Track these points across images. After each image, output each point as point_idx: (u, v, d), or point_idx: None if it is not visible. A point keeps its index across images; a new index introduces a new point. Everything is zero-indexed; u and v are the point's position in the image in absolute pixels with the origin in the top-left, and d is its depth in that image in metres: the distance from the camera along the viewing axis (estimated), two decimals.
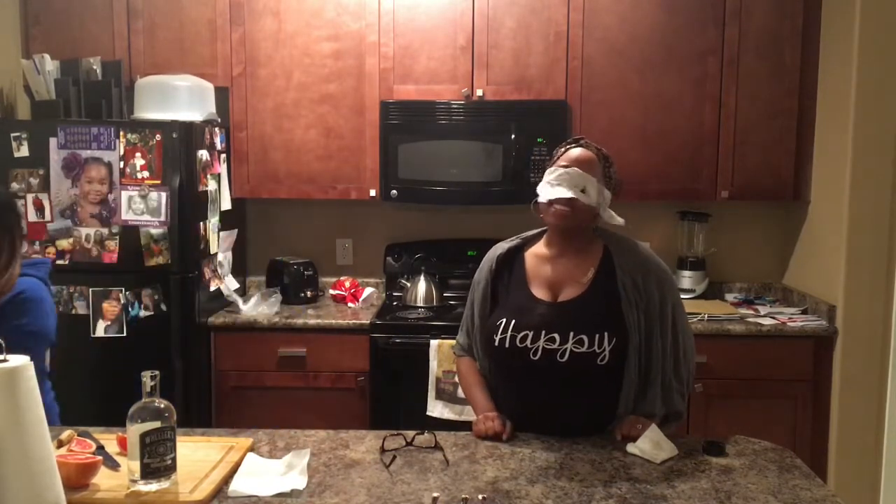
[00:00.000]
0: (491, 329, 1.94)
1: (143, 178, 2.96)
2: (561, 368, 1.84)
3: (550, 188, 1.89)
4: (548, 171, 1.93)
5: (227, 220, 3.36)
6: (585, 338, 1.83)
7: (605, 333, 1.83)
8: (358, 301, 3.48)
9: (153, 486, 1.49)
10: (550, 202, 1.89)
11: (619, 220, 1.97)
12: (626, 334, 1.85)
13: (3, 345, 1.26)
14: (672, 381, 1.91)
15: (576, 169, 1.88)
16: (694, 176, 3.38)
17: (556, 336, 1.85)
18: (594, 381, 1.87)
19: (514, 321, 1.89)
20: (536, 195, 1.94)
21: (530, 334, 1.86)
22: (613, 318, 1.86)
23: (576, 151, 1.93)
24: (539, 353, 1.85)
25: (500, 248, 2.05)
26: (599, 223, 1.99)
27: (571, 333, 1.84)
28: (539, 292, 1.94)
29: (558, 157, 1.95)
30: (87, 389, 2.95)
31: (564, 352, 1.83)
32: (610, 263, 1.92)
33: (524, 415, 1.89)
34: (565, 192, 1.86)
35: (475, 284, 2.06)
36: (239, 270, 3.56)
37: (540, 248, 2.01)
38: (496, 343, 1.91)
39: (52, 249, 2.98)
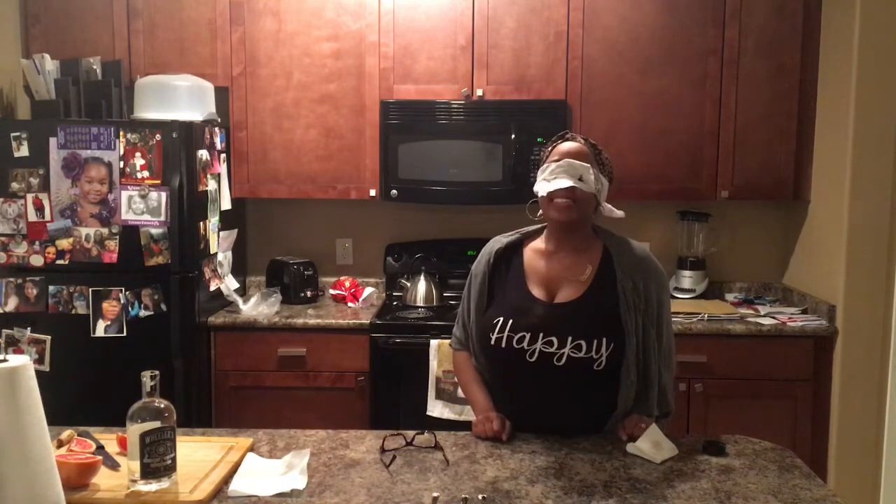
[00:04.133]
0: (487, 327, 1.93)
1: (143, 178, 2.95)
2: (557, 371, 1.84)
3: (548, 183, 1.88)
4: (541, 170, 1.93)
5: (227, 220, 3.36)
6: (583, 343, 1.82)
7: (603, 339, 1.83)
8: (358, 301, 3.48)
9: (153, 486, 1.49)
10: (551, 197, 1.88)
11: (619, 213, 1.97)
12: (624, 339, 1.85)
13: (3, 345, 1.26)
14: (667, 382, 1.91)
15: (568, 160, 1.87)
16: (694, 176, 3.37)
17: (554, 339, 1.84)
18: (590, 384, 1.86)
19: (511, 321, 1.88)
20: (534, 197, 1.94)
21: (527, 336, 1.85)
22: (612, 322, 1.86)
23: (565, 145, 1.92)
24: (536, 355, 1.85)
25: (499, 242, 2.04)
26: (598, 218, 1.99)
27: (570, 338, 1.83)
28: (537, 290, 1.93)
29: (548, 155, 1.95)
30: (87, 389, 2.96)
31: (562, 356, 1.83)
32: (609, 264, 1.91)
33: (519, 413, 1.89)
34: (564, 182, 1.85)
35: (472, 277, 2.04)
36: (239, 270, 3.56)
37: (539, 243, 2.00)
38: (492, 342, 1.90)
39: (51, 249, 2.98)
